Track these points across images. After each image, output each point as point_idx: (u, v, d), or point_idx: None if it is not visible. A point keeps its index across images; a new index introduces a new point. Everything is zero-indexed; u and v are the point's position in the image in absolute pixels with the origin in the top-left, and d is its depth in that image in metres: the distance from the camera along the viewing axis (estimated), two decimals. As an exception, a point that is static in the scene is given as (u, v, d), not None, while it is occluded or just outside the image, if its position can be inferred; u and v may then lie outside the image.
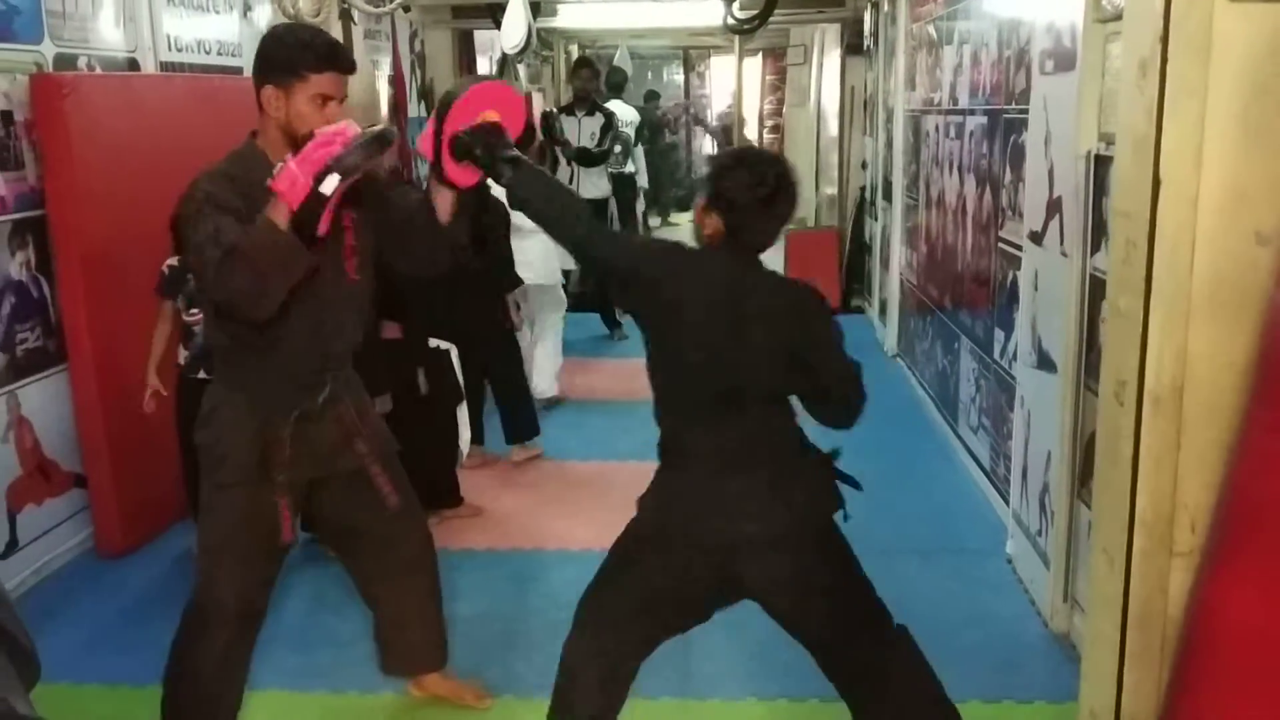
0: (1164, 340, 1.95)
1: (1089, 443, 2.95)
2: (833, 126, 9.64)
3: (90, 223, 3.79)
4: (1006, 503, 3.95)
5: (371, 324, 3.29)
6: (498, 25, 6.90)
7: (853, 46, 8.51)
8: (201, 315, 3.29)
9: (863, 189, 8.43)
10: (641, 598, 2.28)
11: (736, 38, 8.87)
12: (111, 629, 3.43)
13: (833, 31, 9.46)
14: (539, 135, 4.74)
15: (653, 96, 14.11)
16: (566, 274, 6.24)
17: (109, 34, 4.22)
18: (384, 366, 3.64)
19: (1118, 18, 2.62)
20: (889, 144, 7.08)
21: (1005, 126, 4.17)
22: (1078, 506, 3.15)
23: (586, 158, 7.12)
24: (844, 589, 2.30)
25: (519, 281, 4.88)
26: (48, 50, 3.85)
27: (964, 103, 4.93)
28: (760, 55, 14.11)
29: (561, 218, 2.31)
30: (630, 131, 8.82)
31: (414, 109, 7.61)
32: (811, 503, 2.27)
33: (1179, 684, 1.87)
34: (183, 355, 3.66)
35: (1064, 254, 3.21)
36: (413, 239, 2.49)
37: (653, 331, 2.28)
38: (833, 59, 9.50)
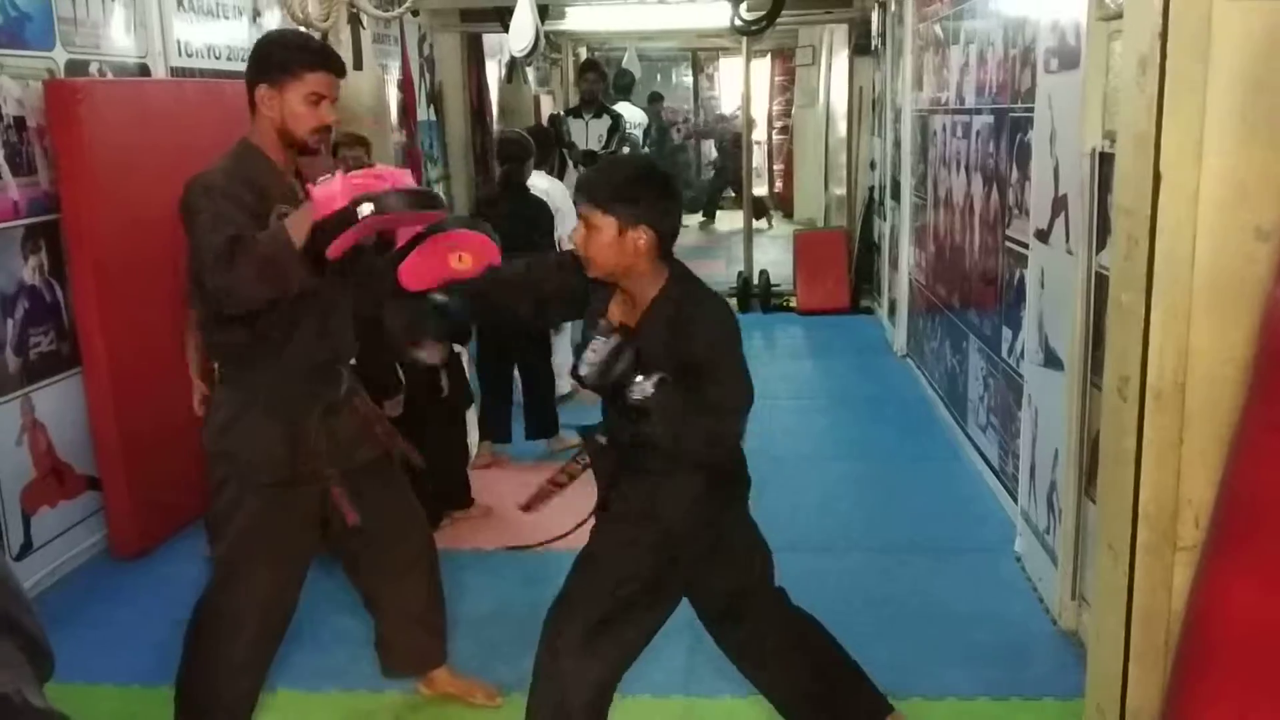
0: (1166, 335, 1.96)
1: (1096, 440, 2.96)
2: (841, 127, 9.65)
3: (103, 227, 3.82)
4: (1015, 501, 3.95)
5: (375, 327, 3.32)
6: (506, 28, 6.93)
7: (860, 47, 8.50)
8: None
9: (871, 189, 8.43)
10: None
11: (744, 39, 8.86)
12: (125, 630, 3.46)
13: (841, 32, 9.47)
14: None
15: (656, 98, 14.13)
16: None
17: (120, 40, 4.26)
18: (391, 369, 3.66)
19: (1120, 16, 2.63)
20: (897, 144, 7.08)
21: (1011, 125, 4.18)
22: (1085, 504, 3.15)
23: (593, 162, 7.15)
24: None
25: None
26: (60, 57, 3.89)
27: (970, 102, 4.94)
28: (769, 56, 14.11)
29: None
30: (638, 133, 8.84)
31: (422, 112, 7.64)
32: None
33: (1181, 677, 1.88)
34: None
35: (1070, 252, 3.21)
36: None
37: None
38: (841, 59, 9.51)
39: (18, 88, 3.67)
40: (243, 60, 2.54)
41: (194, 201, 2.28)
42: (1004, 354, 4.27)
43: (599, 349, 2.06)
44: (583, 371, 2.09)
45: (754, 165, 10.27)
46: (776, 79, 14.53)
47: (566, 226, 4.72)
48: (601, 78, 8.01)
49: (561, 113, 7.75)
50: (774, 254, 10.04)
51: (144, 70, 4.40)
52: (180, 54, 4.62)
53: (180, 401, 3.71)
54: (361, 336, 2.64)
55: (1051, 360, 3.45)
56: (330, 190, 2.14)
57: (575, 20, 8.95)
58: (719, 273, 9.10)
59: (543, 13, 6.98)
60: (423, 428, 3.75)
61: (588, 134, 7.26)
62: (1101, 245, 3.00)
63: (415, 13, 7.19)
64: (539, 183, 5.10)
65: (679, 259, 2.29)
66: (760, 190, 13.32)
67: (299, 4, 4.32)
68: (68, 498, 3.90)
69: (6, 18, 3.61)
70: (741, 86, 9.58)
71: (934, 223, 5.90)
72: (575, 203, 2.24)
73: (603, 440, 2.30)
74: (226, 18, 4.98)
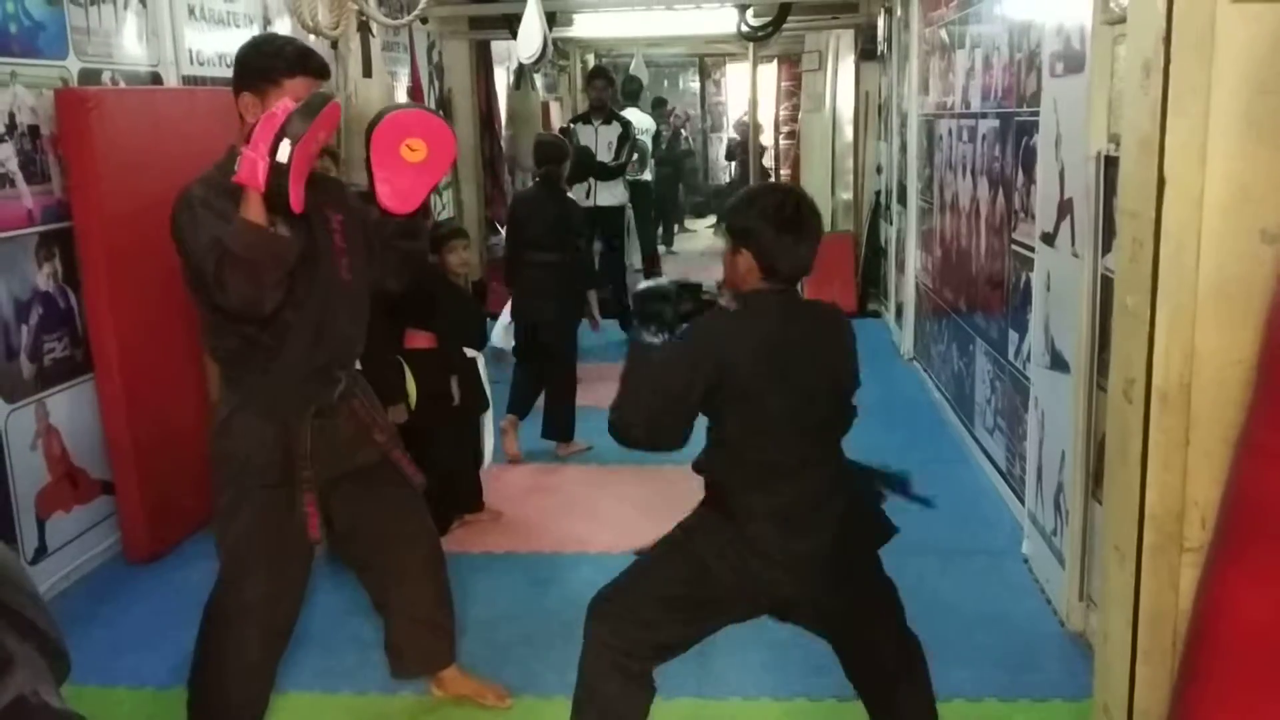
0: (1171, 338, 1.97)
1: (1102, 443, 2.97)
2: (848, 132, 9.66)
3: (115, 234, 3.85)
4: (1022, 503, 3.96)
5: (383, 333, 3.34)
6: (514, 35, 6.96)
7: (867, 52, 8.52)
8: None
9: (878, 193, 8.44)
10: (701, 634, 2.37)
11: (751, 45, 8.89)
12: (138, 633, 3.48)
13: (847, 37, 9.48)
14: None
15: (660, 104, 14.16)
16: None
17: (132, 49, 4.30)
18: (397, 376, 3.68)
19: (1124, 20, 2.64)
20: (903, 148, 7.09)
21: (1017, 129, 4.19)
22: (1092, 506, 3.16)
23: (605, 173, 7.17)
24: (881, 607, 2.37)
25: (599, 281, 5.11)
26: (72, 65, 3.92)
27: (976, 106, 4.95)
28: (775, 62, 14.14)
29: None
30: (647, 139, 8.86)
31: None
32: (869, 549, 2.37)
33: (1187, 679, 1.89)
34: None
35: (1075, 255, 3.22)
36: (385, 251, 2.58)
37: (731, 406, 2.27)
38: (847, 64, 9.52)
39: (31, 96, 3.70)
40: (254, 69, 2.56)
41: (176, 217, 2.33)
42: (1010, 357, 4.28)
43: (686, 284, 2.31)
44: (641, 285, 2.33)
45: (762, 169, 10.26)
46: (783, 84, 14.56)
47: None
48: (609, 85, 8.02)
49: (570, 124, 7.76)
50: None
51: (156, 79, 4.44)
52: (192, 62, 4.66)
53: (191, 406, 3.75)
54: (367, 342, 2.67)
55: (1058, 363, 3.46)
56: (249, 164, 2.18)
57: (583, 27, 8.99)
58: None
59: (551, 20, 7.01)
60: (433, 433, 3.78)
61: (597, 140, 7.28)
62: (1107, 248, 3.01)
63: (424, 20, 7.22)
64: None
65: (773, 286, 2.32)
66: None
67: (309, 12, 4.37)
68: (81, 502, 3.93)
69: (20, 27, 3.65)
70: (748, 92, 9.60)
71: (940, 226, 5.91)
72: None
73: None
74: (238, 26, 5.02)
